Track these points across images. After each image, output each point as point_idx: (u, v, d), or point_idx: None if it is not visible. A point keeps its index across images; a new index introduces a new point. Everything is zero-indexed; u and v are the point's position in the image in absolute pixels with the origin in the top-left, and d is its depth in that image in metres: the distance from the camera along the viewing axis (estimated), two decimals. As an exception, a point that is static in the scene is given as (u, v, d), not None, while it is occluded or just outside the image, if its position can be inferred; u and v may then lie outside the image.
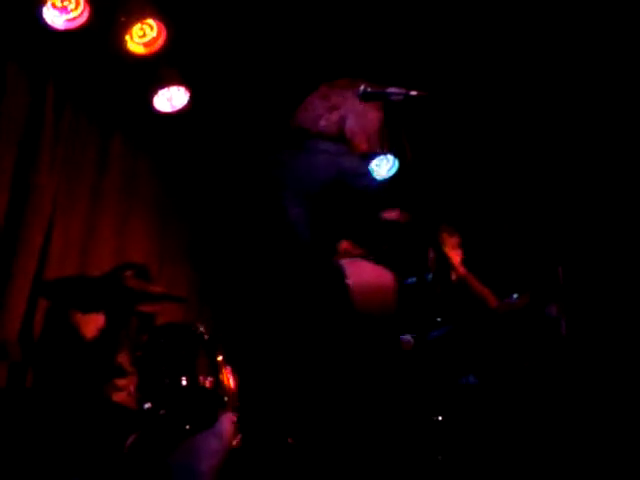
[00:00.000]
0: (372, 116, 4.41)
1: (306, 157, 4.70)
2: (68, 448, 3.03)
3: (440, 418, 3.65)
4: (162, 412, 3.13)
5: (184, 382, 3.15)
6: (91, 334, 3.60)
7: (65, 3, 3.86)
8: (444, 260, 4.12)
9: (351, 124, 4.52)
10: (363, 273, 3.34)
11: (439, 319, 4.03)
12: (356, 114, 4.47)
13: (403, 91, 2.62)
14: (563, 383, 3.82)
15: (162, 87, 4.44)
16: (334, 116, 4.43)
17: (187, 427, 3.05)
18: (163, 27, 4.09)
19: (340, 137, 4.58)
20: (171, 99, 4.50)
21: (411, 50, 4.38)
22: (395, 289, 3.01)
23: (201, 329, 3.27)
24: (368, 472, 3.73)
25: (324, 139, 4.64)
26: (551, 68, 4.41)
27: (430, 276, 4.21)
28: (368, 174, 5.09)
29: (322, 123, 4.41)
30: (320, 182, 4.75)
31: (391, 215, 3.94)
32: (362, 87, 2.67)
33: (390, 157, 5.27)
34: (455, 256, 4.15)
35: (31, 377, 3.69)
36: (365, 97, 2.68)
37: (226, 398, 3.13)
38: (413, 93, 2.63)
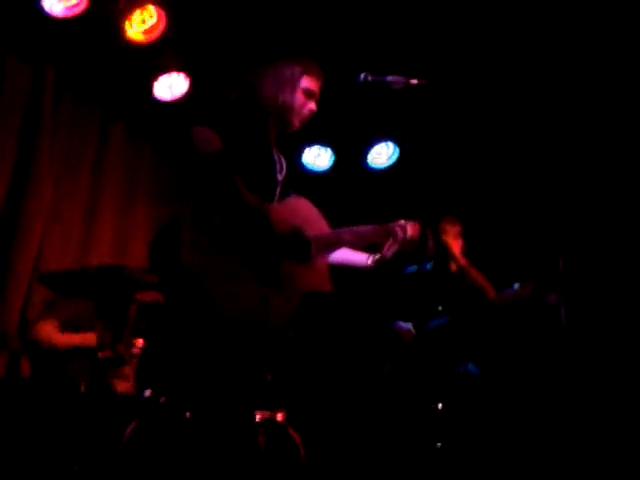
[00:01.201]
0: None
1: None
2: (68, 436, 3.04)
3: (440, 406, 3.66)
4: (162, 400, 3.14)
5: (184, 369, 3.16)
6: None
7: (64, -10, 3.83)
8: (444, 249, 4.12)
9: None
10: None
11: (440, 308, 4.03)
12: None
13: (403, 80, 2.61)
14: (562, 373, 3.83)
15: (162, 74, 4.42)
16: None
17: (187, 415, 3.06)
18: (163, 14, 4.07)
19: None
20: (171, 87, 4.48)
21: (411, 39, 4.36)
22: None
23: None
24: (368, 459, 3.74)
25: None
26: (551, 57, 4.38)
27: (430, 265, 4.21)
28: None
29: None
30: None
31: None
32: (362, 75, 2.65)
33: (390, 145, 5.26)
34: (456, 246, 4.15)
35: (28, 367, 3.69)
36: (365, 85, 2.67)
37: None
38: (414, 82, 2.61)
